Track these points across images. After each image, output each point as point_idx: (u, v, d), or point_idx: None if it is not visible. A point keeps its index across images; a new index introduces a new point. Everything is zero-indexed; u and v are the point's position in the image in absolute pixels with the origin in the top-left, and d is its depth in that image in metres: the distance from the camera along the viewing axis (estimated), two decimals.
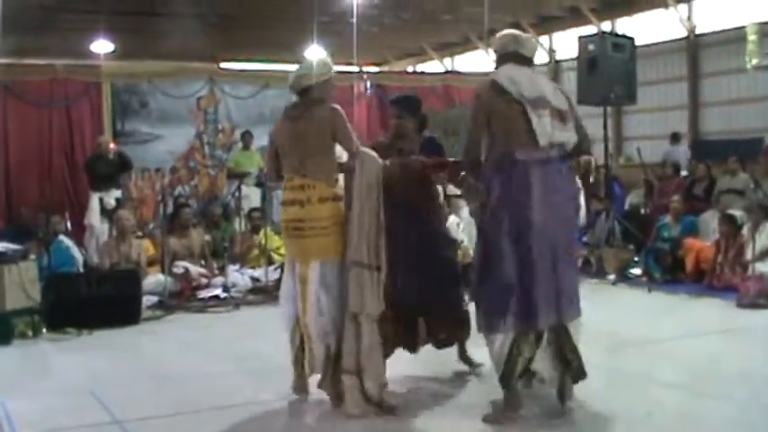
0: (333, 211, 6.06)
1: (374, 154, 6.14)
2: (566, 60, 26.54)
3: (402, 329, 6.69)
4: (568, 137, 5.76)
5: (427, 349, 6.99)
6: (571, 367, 5.81)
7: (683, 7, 23.35)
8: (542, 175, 5.62)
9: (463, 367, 6.98)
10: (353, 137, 6.12)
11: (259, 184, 14.38)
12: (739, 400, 6.29)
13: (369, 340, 5.98)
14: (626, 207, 15.64)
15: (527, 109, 5.63)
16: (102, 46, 25.91)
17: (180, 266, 11.22)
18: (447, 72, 28.05)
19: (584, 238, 13.00)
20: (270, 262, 11.77)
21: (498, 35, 6.09)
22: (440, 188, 7.26)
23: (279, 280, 11.18)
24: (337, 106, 6.17)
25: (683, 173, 16.00)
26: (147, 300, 10.27)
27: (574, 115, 5.89)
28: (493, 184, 5.70)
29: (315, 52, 26.86)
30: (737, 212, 11.73)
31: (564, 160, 5.80)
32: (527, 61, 5.92)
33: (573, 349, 5.78)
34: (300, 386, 6.39)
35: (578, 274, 5.94)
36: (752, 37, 20.02)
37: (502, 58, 5.97)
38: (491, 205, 5.70)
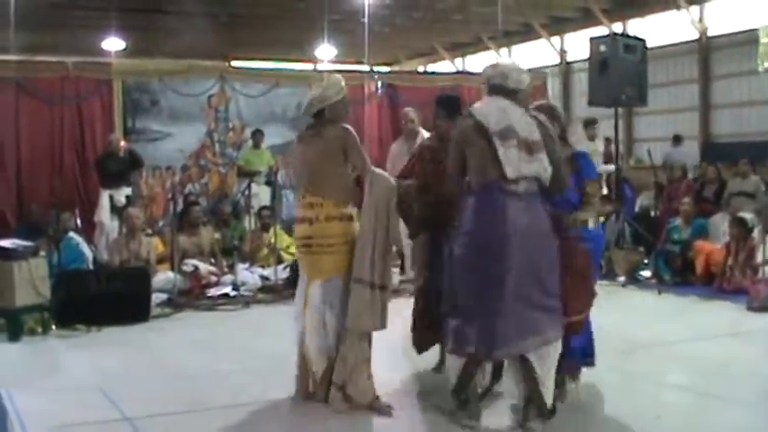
0: (340, 230, 6.13)
1: (385, 174, 6.25)
2: (577, 61, 26.53)
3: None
4: (537, 168, 5.64)
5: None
6: (534, 400, 5.72)
7: (694, 9, 23.33)
8: (514, 208, 5.58)
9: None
10: (365, 156, 6.19)
11: (269, 183, 14.39)
12: (749, 403, 6.29)
13: (356, 356, 6.08)
14: (636, 209, 15.61)
15: (494, 140, 5.60)
16: (113, 43, 26.01)
17: (189, 264, 11.22)
18: (458, 72, 28.03)
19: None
20: (279, 261, 11.77)
21: (486, 66, 6.04)
22: None
23: (288, 279, 11.28)
24: (348, 126, 6.24)
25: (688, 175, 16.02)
26: (157, 297, 10.27)
27: (550, 146, 5.75)
28: (465, 213, 5.74)
29: (325, 51, 26.95)
30: (748, 215, 11.71)
31: (540, 196, 5.72)
32: (511, 93, 5.81)
33: (533, 383, 5.65)
34: (302, 392, 6.43)
35: (552, 306, 5.69)
36: (764, 39, 20.00)
37: (488, 90, 5.95)
38: (461, 232, 5.75)
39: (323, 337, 6.16)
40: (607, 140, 18.53)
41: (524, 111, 5.77)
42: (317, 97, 6.27)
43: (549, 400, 5.66)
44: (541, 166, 5.65)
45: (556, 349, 5.67)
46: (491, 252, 5.58)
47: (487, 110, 5.74)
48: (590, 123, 14.85)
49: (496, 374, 6.21)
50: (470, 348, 5.63)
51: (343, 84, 6.38)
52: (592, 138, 14.43)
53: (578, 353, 6.22)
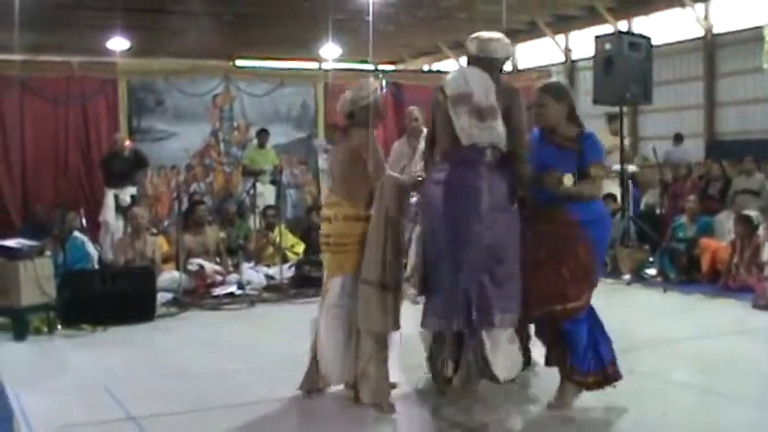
0: (355, 230, 6.15)
1: (397, 176, 6.30)
2: (582, 60, 26.49)
3: None
4: (490, 135, 5.64)
5: None
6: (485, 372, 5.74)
7: (699, 7, 23.29)
8: (469, 177, 5.61)
9: None
10: (380, 163, 6.21)
11: (274, 182, 14.39)
12: (754, 401, 6.29)
13: (369, 357, 6.07)
14: (641, 207, 15.59)
15: (449, 106, 5.69)
16: (118, 43, 26.02)
17: (195, 263, 11.23)
18: None
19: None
20: (284, 260, 11.77)
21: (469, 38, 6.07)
22: None
23: (293, 278, 11.29)
24: (372, 132, 6.28)
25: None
26: (162, 297, 10.28)
27: (513, 115, 5.72)
28: (426, 182, 5.87)
29: (330, 50, 26.95)
30: (753, 213, 11.69)
31: (500, 163, 5.69)
32: (483, 61, 5.83)
33: (484, 359, 5.66)
34: (308, 385, 6.46)
35: (512, 283, 5.66)
36: None
37: (467, 61, 5.98)
38: (422, 203, 5.91)
39: (338, 331, 6.19)
40: (677, 137, 18.68)
41: (489, 77, 5.74)
42: (347, 99, 6.37)
43: (501, 375, 5.67)
44: (494, 133, 5.64)
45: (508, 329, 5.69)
46: (443, 223, 5.65)
47: (451, 77, 5.87)
48: (614, 118, 14.75)
49: (454, 353, 6.00)
50: (429, 324, 5.82)
51: (372, 89, 6.43)
52: (615, 133, 14.37)
53: (578, 361, 5.98)
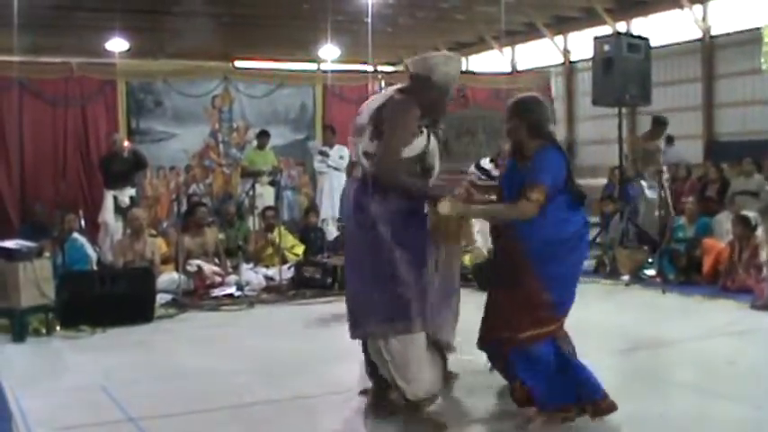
0: None
1: None
2: (580, 61, 26.49)
3: None
4: (357, 153, 5.70)
5: None
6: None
7: (698, 8, 23.30)
8: (353, 192, 5.69)
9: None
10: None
11: (273, 183, 14.39)
12: (753, 402, 6.27)
13: None
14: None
15: None
16: (117, 44, 26.00)
17: (194, 265, 11.23)
18: (461, 72, 27.96)
19: (598, 239, 13.01)
20: (283, 261, 11.77)
21: None
22: None
23: (292, 279, 11.29)
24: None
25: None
26: (161, 298, 10.26)
27: (385, 132, 5.49)
28: None
29: (329, 51, 26.96)
30: (751, 214, 11.69)
31: (372, 180, 5.54)
32: (412, 78, 5.76)
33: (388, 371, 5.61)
34: None
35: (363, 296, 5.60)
36: (767, 39, 19.99)
37: None
38: None
39: None
40: (669, 138, 18.64)
41: (393, 96, 5.67)
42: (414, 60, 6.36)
43: (409, 392, 5.53)
44: (357, 152, 5.68)
45: (405, 341, 5.47)
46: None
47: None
48: (660, 123, 14.67)
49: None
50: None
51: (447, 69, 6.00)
52: (657, 136, 14.38)
53: (538, 393, 5.57)
